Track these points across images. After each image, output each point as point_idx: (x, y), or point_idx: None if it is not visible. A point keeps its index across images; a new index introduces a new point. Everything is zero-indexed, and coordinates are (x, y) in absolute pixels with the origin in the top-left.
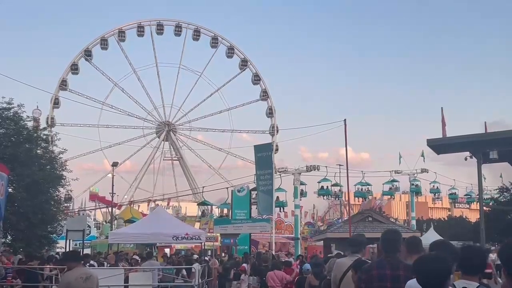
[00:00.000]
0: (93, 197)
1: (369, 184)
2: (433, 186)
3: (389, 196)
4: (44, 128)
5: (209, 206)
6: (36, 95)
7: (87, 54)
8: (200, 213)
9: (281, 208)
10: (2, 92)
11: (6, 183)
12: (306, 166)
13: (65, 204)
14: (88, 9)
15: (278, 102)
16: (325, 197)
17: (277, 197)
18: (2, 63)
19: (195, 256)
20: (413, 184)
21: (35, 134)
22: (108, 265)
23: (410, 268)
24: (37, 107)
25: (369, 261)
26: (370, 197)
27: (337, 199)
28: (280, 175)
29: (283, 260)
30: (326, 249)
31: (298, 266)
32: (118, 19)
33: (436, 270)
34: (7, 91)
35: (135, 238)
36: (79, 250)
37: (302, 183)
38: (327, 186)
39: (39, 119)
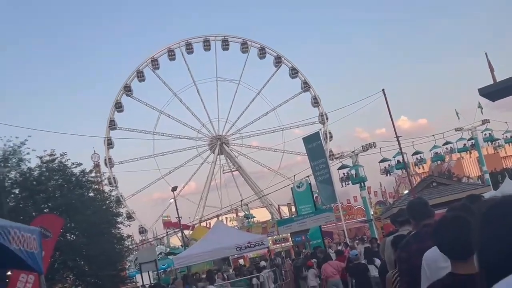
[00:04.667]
0: (167, 224)
1: (420, 152)
2: (505, 136)
3: (459, 155)
4: (91, 171)
5: (276, 207)
6: (89, 140)
7: (127, 89)
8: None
9: (362, 183)
10: (52, 142)
11: (39, 237)
12: (362, 146)
13: (133, 239)
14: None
15: (320, 90)
16: (389, 174)
17: (355, 173)
18: (49, 111)
19: (263, 263)
20: (485, 134)
21: (83, 179)
22: None
23: None
24: (94, 151)
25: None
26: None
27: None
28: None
29: (334, 251)
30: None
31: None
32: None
33: (457, 234)
34: (57, 143)
35: (199, 258)
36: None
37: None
38: (398, 160)
39: (98, 162)
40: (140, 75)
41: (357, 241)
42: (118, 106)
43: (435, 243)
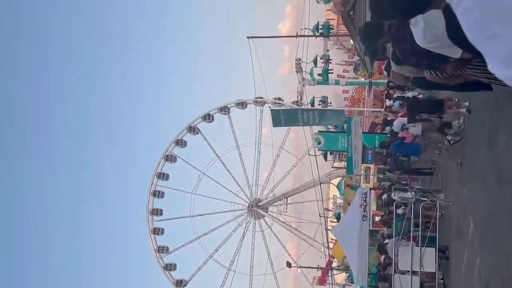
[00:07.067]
0: (321, 281)
1: None
2: None
3: None
4: None
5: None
6: None
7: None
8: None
9: (326, 75)
10: None
11: None
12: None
13: None
14: None
15: None
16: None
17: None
18: None
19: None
20: None
21: None
22: None
23: None
24: None
25: None
26: None
27: None
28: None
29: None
30: None
31: None
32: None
33: None
34: None
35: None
36: None
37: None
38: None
39: None
40: (180, 143)
41: (388, 102)
42: (161, 176)
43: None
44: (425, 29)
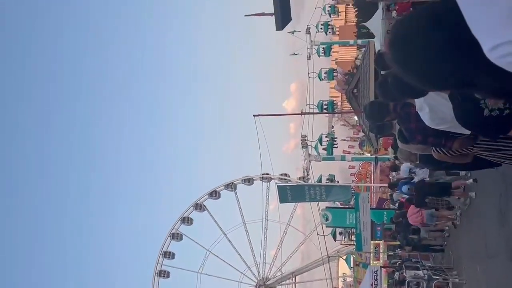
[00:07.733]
0: None
1: None
2: None
3: None
4: None
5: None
6: None
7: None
8: None
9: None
10: None
11: None
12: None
13: None
14: None
15: None
16: None
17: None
18: None
19: None
20: None
21: None
22: None
23: None
24: None
25: None
26: None
27: None
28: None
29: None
30: None
31: None
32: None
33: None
34: None
35: None
36: None
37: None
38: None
39: None
40: (186, 220)
41: (394, 174)
42: (167, 255)
43: None
44: (431, 114)
